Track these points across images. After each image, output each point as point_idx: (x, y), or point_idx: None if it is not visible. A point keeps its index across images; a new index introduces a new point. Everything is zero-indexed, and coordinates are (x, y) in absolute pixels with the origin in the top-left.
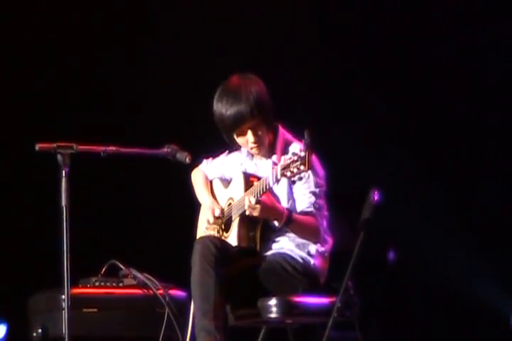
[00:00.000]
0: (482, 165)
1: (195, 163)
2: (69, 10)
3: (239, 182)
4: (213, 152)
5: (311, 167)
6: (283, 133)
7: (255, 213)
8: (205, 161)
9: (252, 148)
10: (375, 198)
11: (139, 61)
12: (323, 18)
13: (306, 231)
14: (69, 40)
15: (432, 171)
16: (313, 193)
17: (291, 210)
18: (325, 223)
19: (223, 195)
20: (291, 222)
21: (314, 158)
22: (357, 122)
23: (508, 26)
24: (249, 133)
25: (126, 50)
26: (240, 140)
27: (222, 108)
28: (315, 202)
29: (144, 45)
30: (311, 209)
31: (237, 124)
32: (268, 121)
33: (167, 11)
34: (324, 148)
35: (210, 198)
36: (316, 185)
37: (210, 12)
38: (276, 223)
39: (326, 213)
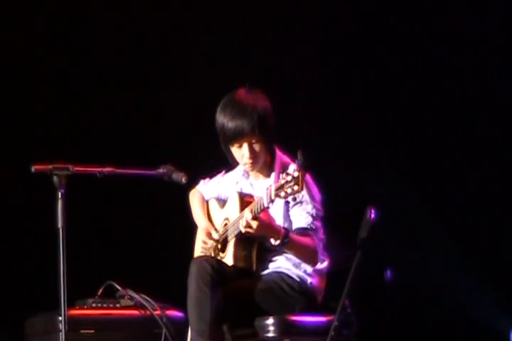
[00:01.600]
0: (478, 182)
1: (193, 183)
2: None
3: (234, 202)
4: (210, 172)
5: (304, 187)
6: (280, 155)
7: (252, 230)
8: (202, 182)
9: (245, 164)
10: (372, 216)
11: (136, 82)
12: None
13: (303, 251)
14: (65, 56)
15: (426, 188)
16: (311, 214)
17: (288, 229)
18: (321, 245)
19: (219, 215)
20: (288, 240)
21: (311, 182)
22: (350, 142)
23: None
24: (246, 147)
25: (124, 72)
26: (235, 151)
27: (225, 118)
28: (312, 222)
29: (139, 67)
30: (309, 227)
31: (236, 138)
32: (267, 140)
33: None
34: (319, 168)
35: (205, 221)
36: (313, 208)
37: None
38: (272, 241)
39: (322, 236)
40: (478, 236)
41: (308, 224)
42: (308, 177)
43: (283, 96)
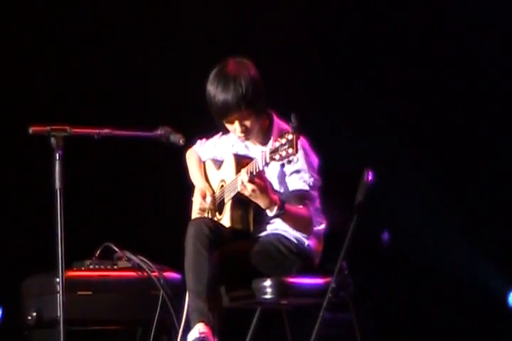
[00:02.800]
0: (475, 149)
1: (189, 143)
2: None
3: (230, 164)
4: (207, 133)
5: (302, 154)
6: (278, 122)
7: (246, 192)
8: (198, 142)
9: (239, 137)
10: (369, 179)
11: (133, 45)
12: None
13: (298, 221)
14: (62, 27)
15: (425, 152)
16: (308, 184)
17: (283, 200)
18: (317, 214)
19: (216, 176)
20: (283, 211)
21: (308, 148)
22: (347, 104)
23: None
24: (236, 123)
25: (122, 35)
26: (227, 126)
27: (212, 92)
28: (307, 191)
29: (138, 30)
30: (306, 187)
31: (224, 113)
32: (257, 112)
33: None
34: (317, 131)
35: (202, 181)
36: (311, 177)
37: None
38: (268, 212)
39: (318, 206)
40: (477, 199)
41: (307, 184)
42: (304, 142)
43: (277, 60)
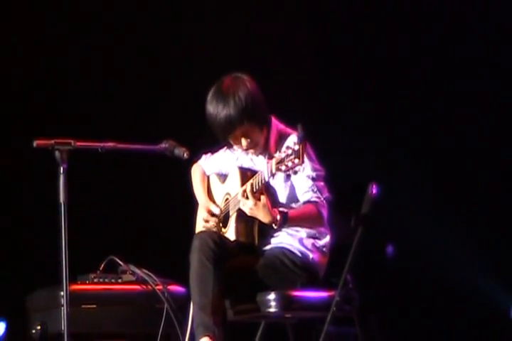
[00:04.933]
0: (483, 163)
1: (195, 158)
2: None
3: (235, 177)
4: (212, 147)
5: (304, 160)
6: (276, 125)
7: (245, 209)
8: (203, 156)
9: (247, 151)
10: (374, 192)
11: (137, 56)
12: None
13: (307, 222)
14: (68, 35)
15: (431, 166)
16: (311, 177)
17: (285, 212)
18: (327, 205)
19: (220, 190)
20: (286, 222)
21: (311, 153)
22: (354, 118)
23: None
24: (242, 139)
25: (125, 47)
26: (232, 141)
27: (213, 111)
28: (313, 184)
29: (142, 41)
30: (310, 193)
31: (228, 130)
32: (260, 123)
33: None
34: (321, 144)
35: (204, 198)
36: (313, 170)
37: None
38: (273, 226)
39: (327, 195)
40: (480, 212)
41: (311, 188)
42: (309, 150)
43: (283, 70)
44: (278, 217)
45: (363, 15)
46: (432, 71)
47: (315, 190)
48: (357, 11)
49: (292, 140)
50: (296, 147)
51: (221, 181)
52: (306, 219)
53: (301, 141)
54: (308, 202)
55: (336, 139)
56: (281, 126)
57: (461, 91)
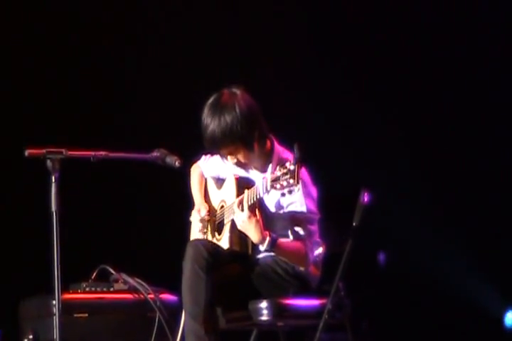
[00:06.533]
0: (470, 164)
1: (195, 158)
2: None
3: (231, 186)
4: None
5: (300, 186)
6: (278, 151)
7: (237, 221)
8: (203, 157)
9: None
10: (365, 199)
11: (128, 63)
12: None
13: (293, 257)
14: (57, 43)
15: (421, 172)
16: (307, 220)
17: (275, 237)
18: (314, 250)
19: (216, 195)
20: (273, 247)
21: (307, 179)
22: (344, 126)
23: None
24: (229, 156)
25: (117, 54)
26: (223, 157)
27: (204, 122)
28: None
29: (132, 47)
30: (304, 209)
31: (213, 147)
32: (247, 145)
33: (160, 12)
34: (313, 153)
35: (201, 200)
36: (308, 212)
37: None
38: (260, 246)
39: (318, 240)
40: (475, 219)
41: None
42: (305, 173)
43: (278, 80)
44: (268, 239)
45: (363, 15)
46: (433, 76)
47: (307, 219)
48: (356, 12)
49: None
50: (292, 167)
51: (218, 186)
52: (291, 253)
53: (297, 161)
54: (299, 239)
55: (329, 145)
56: (284, 154)
57: (465, 103)
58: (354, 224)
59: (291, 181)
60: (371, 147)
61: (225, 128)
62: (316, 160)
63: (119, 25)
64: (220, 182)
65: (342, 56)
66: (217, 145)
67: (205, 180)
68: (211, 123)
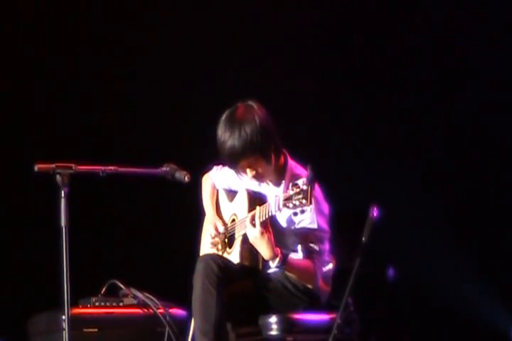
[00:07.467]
0: (484, 179)
1: (206, 169)
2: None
3: (243, 200)
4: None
5: (313, 203)
6: (292, 167)
7: (250, 236)
8: (215, 168)
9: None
10: (374, 215)
11: (136, 78)
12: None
13: (301, 275)
14: (67, 54)
15: (430, 187)
16: (317, 238)
17: (285, 254)
18: (323, 269)
19: (227, 208)
20: (284, 265)
21: (320, 196)
22: (354, 141)
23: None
24: (247, 170)
25: (122, 67)
26: (241, 172)
27: (220, 137)
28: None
29: (141, 60)
30: (314, 226)
31: (233, 160)
32: (265, 156)
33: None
34: (324, 167)
35: (213, 212)
36: (319, 230)
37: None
38: (270, 263)
39: (327, 259)
40: (481, 234)
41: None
42: (317, 190)
43: (288, 90)
44: (279, 256)
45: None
46: (445, 87)
47: (317, 237)
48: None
49: (302, 179)
50: (305, 187)
51: (229, 199)
52: (300, 271)
53: (310, 181)
54: (308, 257)
55: (339, 160)
56: (298, 170)
57: (473, 113)
58: (363, 239)
59: (304, 201)
60: (381, 162)
61: (245, 140)
62: (325, 176)
63: (131, 40)
64: (231, 194)
65: (356, 69)
66: (237, 158)
67: (217, 191)
68: (230, 137)
